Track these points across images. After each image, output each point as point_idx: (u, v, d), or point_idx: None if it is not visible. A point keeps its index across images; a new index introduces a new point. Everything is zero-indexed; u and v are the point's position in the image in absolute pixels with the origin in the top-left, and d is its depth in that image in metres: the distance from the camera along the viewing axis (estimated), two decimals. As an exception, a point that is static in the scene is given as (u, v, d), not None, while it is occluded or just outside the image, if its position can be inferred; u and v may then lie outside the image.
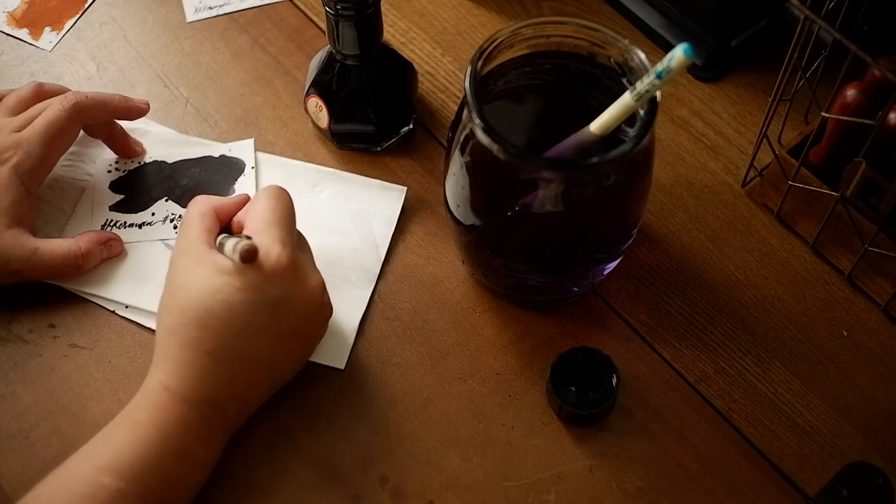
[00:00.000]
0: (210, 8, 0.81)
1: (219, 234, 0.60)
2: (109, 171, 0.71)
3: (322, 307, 0.60)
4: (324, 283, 0.60)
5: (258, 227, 0.58)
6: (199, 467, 0.56)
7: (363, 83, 0.69)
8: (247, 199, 0.63)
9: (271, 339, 0.57)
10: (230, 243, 0.56)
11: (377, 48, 0.68)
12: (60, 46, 0.79)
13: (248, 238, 0.56)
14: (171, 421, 0.54)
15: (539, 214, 0.57)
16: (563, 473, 0.60)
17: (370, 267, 0.67)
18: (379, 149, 0.72)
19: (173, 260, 0.58)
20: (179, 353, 0.55)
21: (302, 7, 0.81)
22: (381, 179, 0.71)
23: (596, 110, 0.55)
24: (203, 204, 0.61)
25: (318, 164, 0.72)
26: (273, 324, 0.57)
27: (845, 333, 0.65)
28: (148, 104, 0.70)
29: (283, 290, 0.56)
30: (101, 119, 0.68)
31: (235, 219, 0.62)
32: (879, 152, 0.60)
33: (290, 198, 0.60)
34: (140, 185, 0.70)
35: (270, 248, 0.57)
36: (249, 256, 0.55)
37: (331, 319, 0.62)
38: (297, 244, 0.59)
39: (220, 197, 0.63)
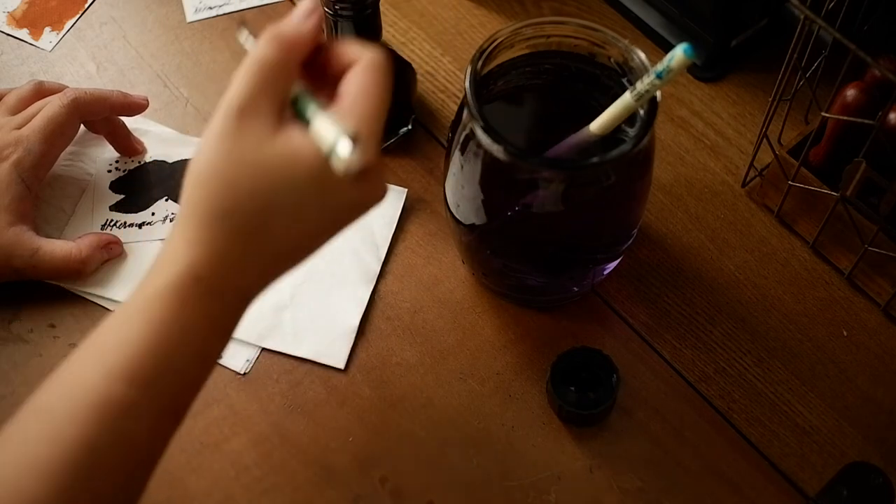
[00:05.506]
0: (210, 8, 0.81)
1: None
2: (109, 171, 0.71)
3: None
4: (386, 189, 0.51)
5: (359, 112, 0.46)
6: (213, 363, 0.49)
7: (363, 83, 0.69)
8: (319, 20, 0.49)
9: (325, 234, 0.49)
10: (329, 132, 0.45)
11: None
12: (60, 46, 0.79)
13: (354, 139, 0.44)
14: (199, 321, 0.46)
15: (539, 214, 0.57)
16: (563, 473, 0.60)
17: (370, 267, 0.67)
18: (379, 149, 0.72)
19: (230, 111, 0.45)
20: (226, 244, 0.46)
21: (302, 7, 0.81)
22: (381, 179, 0.71)
23: (596, 110, 0.55)
24: (284, 54, 0.47)
25: (318, 164, 0.72)
26: (335, 223, 0.49)
27: (845, 333, 0.65)
28: (147, 100, 0.71)
29: (363, 195, 0.48)
30: (101, 115, 0.68)
31: (326, 59, 0.49)
32: (879, 152, 0.60)
33: (390, 78, 0.48)
34: (140, 185, 0.70)
35: (367, 146, 0.45)
36: (360, 175, 0.44)
37: (331, 319, 0.61)
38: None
39: (295, 30, 0.48)
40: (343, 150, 0.44)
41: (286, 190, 0.45)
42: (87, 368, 0.46)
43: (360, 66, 0.48)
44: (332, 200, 0.47)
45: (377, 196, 0.49)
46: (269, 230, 0.46)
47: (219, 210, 0.46)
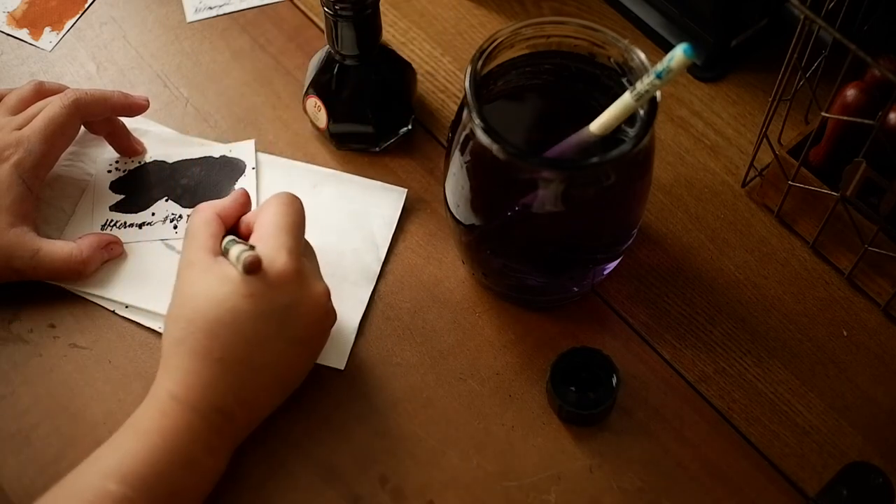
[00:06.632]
0: (210, 8, 0.81)
1: (224, 237, 0.59)
2: (109, 171, 0.71)
3: (327, 314, 0.60)
4: (328, 291, 0.59)
5: (266, 232, 0.58)
6: (206, 477, 0.55)
7: (362, 83, 0.69)
8: (247, 196, 0.63)
9: (279, 346, 0.57)
10: (234, 251, 0.56)
11: (376, 49, 0.68)
12: (60, 46, 0.79)
13: (252, 247, 0.56)
14: (179, 430, 0.54)
15: (539, 214, 0.57)
16: (563, 473, 0.60)
17: (370, 267, 0.67)
18: (377, 149, 0.72)
19: (179, 272, 0.58)
20: (188, 363, 0.55)
21: (302, 7, 0.81)
22: (382, 180, 0.71)
23: (596, 110, 0.55)
24: (205, 212, 0.60)
25: (318, 164, 0.72)
26: (281, 331, 0.56)
27: (845, 333, 0.65)
28: (147, 100, 0.71)
29: (290, 297, 0.56)
30: (101, 115, 0.68)
31: (244, 220, 0.62)
32: (879, 152, 0.60)
33: (300, 205, 0.60)
34: (140, 185, 0.70)
35: (277, 255, 0.56)
36: (253, 268, 0.55)
37: (330, 320, 0.62)
38: (303, 252, 0.59)
39: (220, 200, 0.62)
40: (241, 255, 0.55)
41: (219, 305, 0.55)
42: (87, 471, 0.53)
43: (264, 205, 0.60)
44: (264, 306, 0.55)
45: (313, 296, 0.58)
46: (220, 346, 0.55)
47: (176, 338, 0.55)
